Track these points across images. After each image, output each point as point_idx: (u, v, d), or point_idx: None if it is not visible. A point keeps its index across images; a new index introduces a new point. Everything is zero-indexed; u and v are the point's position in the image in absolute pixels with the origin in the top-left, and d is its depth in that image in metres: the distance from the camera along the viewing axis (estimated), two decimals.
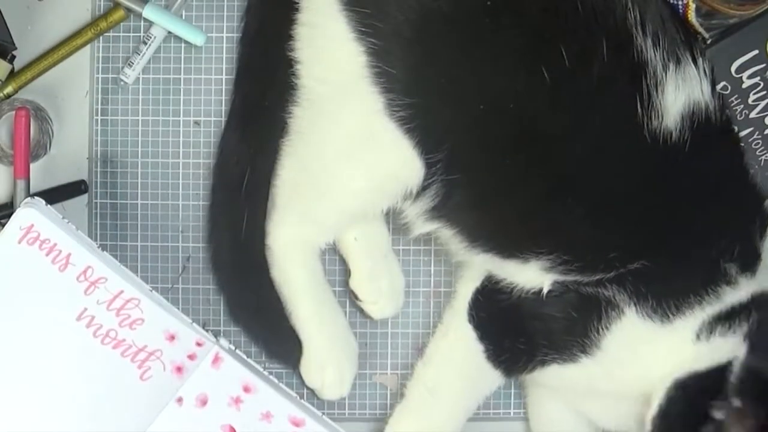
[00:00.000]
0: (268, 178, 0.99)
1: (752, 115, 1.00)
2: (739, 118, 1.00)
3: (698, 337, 0.90)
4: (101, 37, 1.03)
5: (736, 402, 0.86)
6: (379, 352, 1.05)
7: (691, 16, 0.91)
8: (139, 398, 0.95)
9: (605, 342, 0.92)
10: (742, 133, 1.01)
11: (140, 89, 1.03)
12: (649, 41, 0.88)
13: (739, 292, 0.90)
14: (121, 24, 1.03)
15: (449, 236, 0.95)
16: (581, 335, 0.92)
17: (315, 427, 0.96)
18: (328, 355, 1.00)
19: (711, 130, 0.91)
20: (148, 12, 1.01)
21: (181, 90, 1.04)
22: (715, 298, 0.90)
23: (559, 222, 0.91)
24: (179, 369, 0.96)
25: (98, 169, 1.03)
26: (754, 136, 1.01)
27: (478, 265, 0.97)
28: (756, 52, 1.00)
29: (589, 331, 0.92)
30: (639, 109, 0.87)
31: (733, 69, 1.00)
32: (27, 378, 0.94)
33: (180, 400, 0.96)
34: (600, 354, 0.92)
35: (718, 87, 0.99)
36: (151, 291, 0.96)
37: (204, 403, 0.96)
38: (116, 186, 0.97)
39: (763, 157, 1.01)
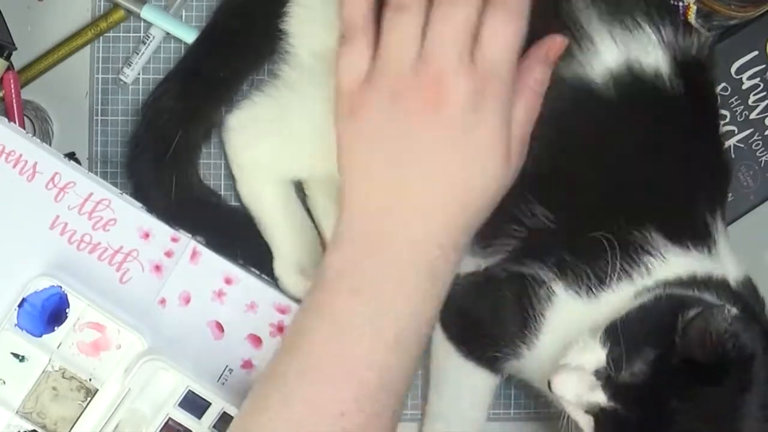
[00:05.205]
0: (196, 145, 1.00)
1: (752, 116, 1.01)
2: (739, 119, 1.01)
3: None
4: (101, 37, 1.03)
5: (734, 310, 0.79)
6: None
7: (692, 17, 0.92)
8: (122, 302, 0.94)
9: (544, 336, 0.89)
10: (742, 134, 1.01)
11: (140, 89, 1.03)
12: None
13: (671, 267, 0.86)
14: (121, 24, 1.03)
15: None
16: (521, 325, 0.89)
17: None
18: (306, 256, 0.99)
19: (661, 99, 0.88)
20: (146, 13, 1.01)
21: None
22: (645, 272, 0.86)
23: None
24: (158, 268, 0.95)
25: (98, 169, 1.03)
26: (754, 137, 1.01)
27: None
28: (756, 53, 1.00)
29: (527, 318, 0.88)
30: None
31: (733, 70, 1.00)
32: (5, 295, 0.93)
33: (163, 301, 0.95)
34: (541, 350, 0.89)
35: (718, 88, 0.99)
36: (121, 194, 0.95)
37: (187, 301, 0.95)
38: (116, 186, 0.97)
39: (763, 158, 1.01)
